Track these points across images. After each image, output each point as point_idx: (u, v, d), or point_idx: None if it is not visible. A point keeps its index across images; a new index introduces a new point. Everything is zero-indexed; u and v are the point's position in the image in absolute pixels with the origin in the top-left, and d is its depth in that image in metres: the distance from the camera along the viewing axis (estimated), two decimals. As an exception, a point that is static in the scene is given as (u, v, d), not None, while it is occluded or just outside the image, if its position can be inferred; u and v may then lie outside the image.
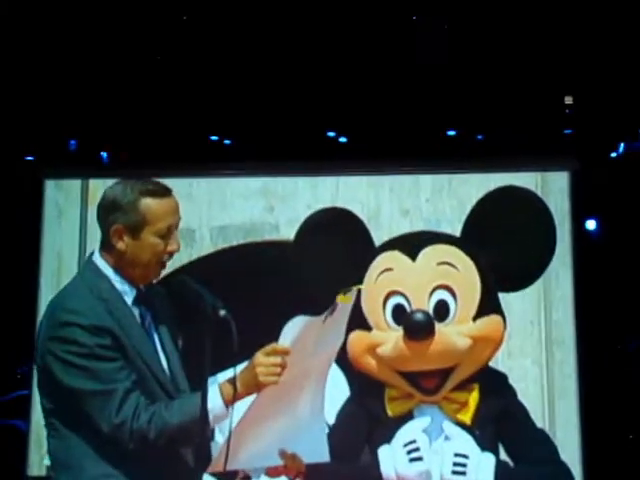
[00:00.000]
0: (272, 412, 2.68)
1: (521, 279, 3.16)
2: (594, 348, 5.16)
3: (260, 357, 2.67)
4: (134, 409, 2.60)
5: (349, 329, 2.88)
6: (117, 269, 2.74)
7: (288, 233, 4.65)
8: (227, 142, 5.84)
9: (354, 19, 5.34)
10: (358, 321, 2.94)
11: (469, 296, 2.93)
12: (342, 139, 5.82)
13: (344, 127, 5.81)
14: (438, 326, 2.83)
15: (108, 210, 2.79)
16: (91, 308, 2.66)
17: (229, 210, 4.93)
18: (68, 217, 5.41)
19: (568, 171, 5.25)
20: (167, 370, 2.78)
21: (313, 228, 3.18)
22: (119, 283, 2.74)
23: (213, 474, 3.10)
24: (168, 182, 4.65)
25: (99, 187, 5.35)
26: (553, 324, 5.05)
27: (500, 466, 2.83)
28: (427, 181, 5.15)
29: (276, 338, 3.35)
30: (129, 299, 2.74)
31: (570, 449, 4.93)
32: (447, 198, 5.21)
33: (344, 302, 2.81)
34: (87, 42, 5.45)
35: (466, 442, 2.81)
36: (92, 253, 2.83)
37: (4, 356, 5.62)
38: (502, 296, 3.22)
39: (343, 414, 2.98)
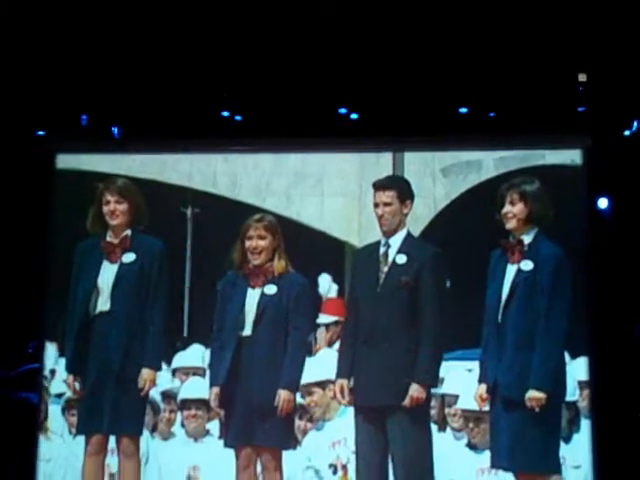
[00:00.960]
0: None
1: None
2: (606, 328, 5.16)
3: None
4: None
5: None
6: None
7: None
8: (238, 118, 5.81)
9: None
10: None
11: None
12: (353, 116, 5.79)
13: (356, 104, 5.78)
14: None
15: None
16: None
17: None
18: (79, 192, 5.44)
19: (581, 149, 5.24)
20: None
21: None
22: None
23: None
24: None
25: (110, 163, 5.43)
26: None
27: None
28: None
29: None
30: None
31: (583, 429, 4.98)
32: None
33: None
34: (100, 17, 5.43)
35: None
36: None
37: (15, 330, 5.63)
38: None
39: None
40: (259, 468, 4.76)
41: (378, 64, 5.54)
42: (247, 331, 4.73)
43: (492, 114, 5.63)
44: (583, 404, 4.99)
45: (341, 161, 5.39)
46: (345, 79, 5.61)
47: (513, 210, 4.69)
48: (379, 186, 4.85)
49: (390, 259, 4.79)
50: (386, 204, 4.81)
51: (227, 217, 5.22)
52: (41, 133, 5.79)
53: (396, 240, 4.78)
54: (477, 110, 5.63)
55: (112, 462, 4.91)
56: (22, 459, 5.26)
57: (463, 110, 5.66)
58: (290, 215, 5.38)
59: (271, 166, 5.44)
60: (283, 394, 4.66)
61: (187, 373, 5.19)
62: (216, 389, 4.70)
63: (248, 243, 4.77)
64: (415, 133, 5.38)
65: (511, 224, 4.69)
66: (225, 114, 5.81)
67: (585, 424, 4.95)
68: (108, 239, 4.86)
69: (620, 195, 5.55)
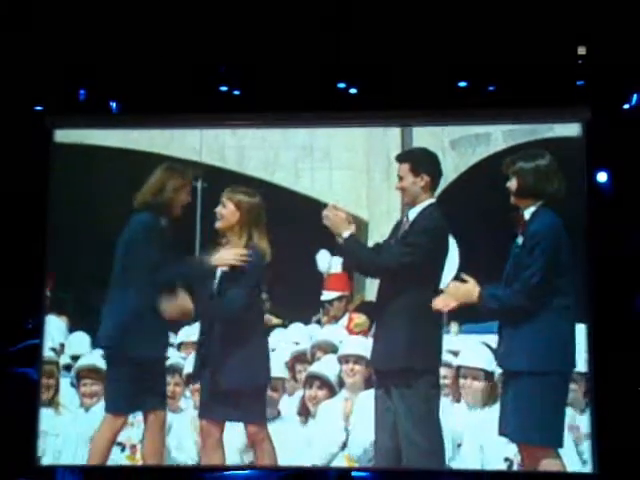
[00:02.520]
0: None
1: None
2: (605, 301, 5.18)
3: None
4: None
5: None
6: None
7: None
8: (236, 92, 5.79)
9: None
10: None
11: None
12: (352, 90, 5.77)
13: (355, 79, 5.76)
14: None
15: None
16: None
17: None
18: (76, 167, 5.42)
19: (580, 122, 5.24)
20: None
21: None
22: None
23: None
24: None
25: (116, 137, 5.41)
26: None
27: None
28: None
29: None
30: None
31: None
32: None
33: None
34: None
35: None
36: None
37: (15, 307, 5.63)
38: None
39: None
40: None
41: (377, 37, 5.52)
42: None
43: (492, 88, 5.61)
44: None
45: (349, 134, 5.39)
46: (343, 53, 5.58)
47: (509, 185, 4.72)
48: (396, 159, 4.93)
49: (401, 230, 4.82)
50: (400, 177, 4.85)
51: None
52: (39, 108, 5.74)
53: (413, 212, 4.81)
54: (476, 84, 5.61)
55: (132, 434, 5.07)
56: (22, 435, 5.28)
57: (462, 84, 5.63)
58: (298, 189, 5.40)
59: (279, 139, 5.43)
60: None
61: (193, 348, 5.17)
62: None
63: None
64: (414, 107, 5.38)
65: (512, 199, 4.73)
66: (223, 89, 5.78)
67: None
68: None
69: (619, 169, 5.54)
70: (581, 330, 4.95)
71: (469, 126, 5.29)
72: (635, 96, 5.60)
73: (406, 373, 4.65)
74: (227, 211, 4.87)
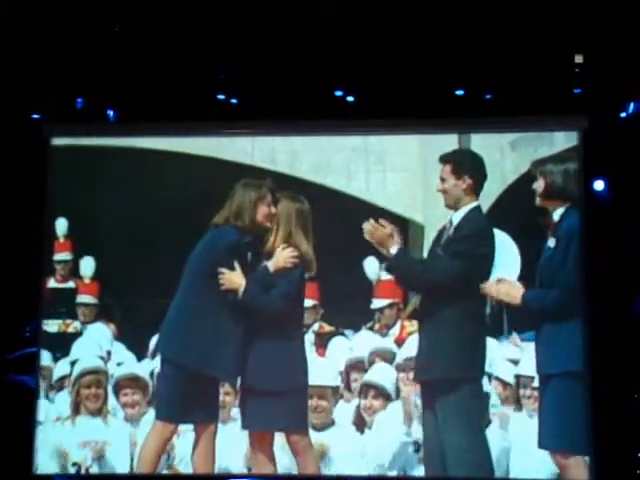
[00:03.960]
0: None
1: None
2: (602, 309, 5.18)
3: None
4: None
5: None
6: None
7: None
8: (233, 101, 5.79)
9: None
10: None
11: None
12: (349, 98, 5.77)
13: (351, 86, 5.76)
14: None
15: None
16: None
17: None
18: (74, 175, 5.43)
19: (578, 131, 5.25)
20: None
21: None
22: None
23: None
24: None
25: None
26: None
27: None
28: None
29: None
30: None
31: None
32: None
33: None
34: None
35: None
36: None
37: (12, 315, 5.63)
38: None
39: None
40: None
41: (374, 46, 5.52)
42: None
43: (489, 96, 5.61)
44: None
45: (403, 137, 5.35)
46: (341, 62, 5.59)
47: (536, 186, 4.71)
48: (439, 160, 4.84)
49: (445, 237, 4.77)
50: (442, 179, 4.79)
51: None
52: (36, 117, 5.75)
53: (457, 216, 4.74)
54: (473, 92, 5.61)
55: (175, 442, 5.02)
56: (19, 444, 5.27)
57: (459, 92, 5.63)
58: (351, 192, 5.35)
59: (331, 142, 5.39)
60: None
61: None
62: None
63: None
64: (411, 115, 5.38)
65: (537, 200, 4.71)
66: (220, 97, 5.78)
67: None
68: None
69: (616, 177, 5.54)
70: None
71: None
72: (632, 104, 5.60)
73: (448, 383, 4.59)
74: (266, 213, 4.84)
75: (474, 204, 4.75)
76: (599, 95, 5.50)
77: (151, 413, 5.04)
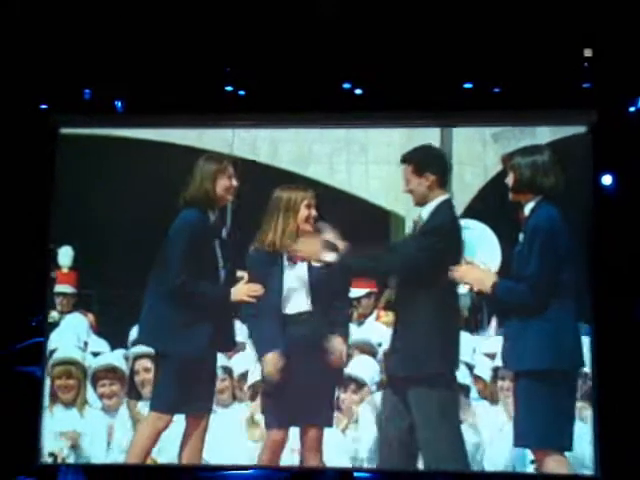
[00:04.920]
0: None
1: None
2: (609, 302, 5.17)
3: None
4: None
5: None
6: None
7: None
8: (241, 93, 5.79)
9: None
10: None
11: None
12: (358, 91, 5.76)
13: (360, 79, 5.76)
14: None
15: None
16: None
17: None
18: (81, 166, 5.44)
19: (586, 125, 5.23)
20: None
21: None
22: None
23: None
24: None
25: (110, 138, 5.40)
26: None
27: None
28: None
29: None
30: None
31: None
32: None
33: None
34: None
35: None
36: None
37: (19, 306, 5.64)
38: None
39: None
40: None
41: (382, 38, 5.51)
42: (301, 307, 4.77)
43: (497, 89, 5.59)
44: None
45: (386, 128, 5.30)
46: (349, 54, 5.58)
47: (507, 181, 4.67)
48: (400, 161, 4.80)
49: (414, 230, 4.75)
50: (406, 180, 4.76)
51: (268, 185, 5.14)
52: (44, 107, 5.75)
53: (425, 211, 4.72)
54: (481, 85, 5.59)
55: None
56: (25, 433, 5.29)
57: (467, 85, 5.62)
58: (333, 183, 5.31)
59: (314, 133, 5.35)
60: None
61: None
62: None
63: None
64: (418, 108, 5.37)
65: (510, 195, 4.66)
66: (228, 89, 5.78)
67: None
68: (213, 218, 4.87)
69: (625, 172, 5.53)
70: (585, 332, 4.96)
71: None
72: (641, 99, 5.59)
73: (421, 377, 4.58)
74: None
75: (443, 198, 4.70)
76: (608, 89, 5.48)
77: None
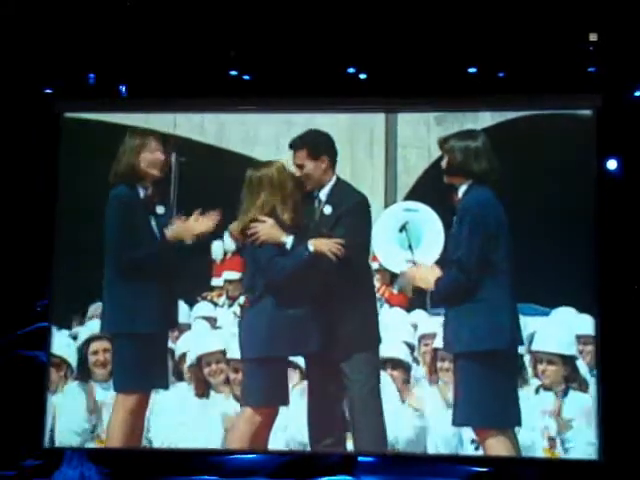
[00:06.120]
0: None
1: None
2: (614, 288, 5.16)
3: None
4: None
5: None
6: None
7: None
8: (246, 77, 5.77)
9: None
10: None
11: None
12: (362, 75, 5.75)
13: (364, 64, 5.74)
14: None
15: None
16: None
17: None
18: (85, 152, 5.44)
19: (591, 109, 5.22)
20: None
21: None
22: None
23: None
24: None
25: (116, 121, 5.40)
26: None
27: None
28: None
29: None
30: None
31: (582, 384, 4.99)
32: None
33: None
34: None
35: None
36: None
37: (23, 290, 5.65)
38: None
39: None
40: None
41: (386, 23, 5.49)
42: None
43: (501, 74, 5.57)
44: (585, 359, 5.02)
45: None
46: (354, 39, 5.56)
47: (442, 163, 4.72)
48: (289, 146, 4.87)
49: (318, 212, 4.82)
50: (299, 166, 4.81)
51: (214, 166, 5.21)
52: (48, 91, 5.75)
53: (324, 192, 4.80)
54: (486, 70, 5.57)
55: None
56: (31, 417, 5.31)
57: (472, 70, 5.60)
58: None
59: (259, 115, 5.39)
60: None
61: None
62: None
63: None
64: (423, 94, 5.36)
65: (444, 178, 4.73)
66: (233, 73, 5.77)
67: (587, 379, 4.99)
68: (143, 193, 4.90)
69: (630, 156, 5.50)
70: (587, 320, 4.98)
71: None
72: (647, 83, 5.56)
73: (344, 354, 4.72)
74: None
75: (334, 179, 4.82)
76: (613, 74, 5.46)
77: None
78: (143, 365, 4.87)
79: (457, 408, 4.60)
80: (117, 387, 4.95)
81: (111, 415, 4.99)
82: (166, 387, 5.02)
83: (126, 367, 4.89)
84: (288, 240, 4.71)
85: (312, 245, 4.69)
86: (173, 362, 5.17)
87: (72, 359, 5.28)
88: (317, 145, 4.83)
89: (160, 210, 4.97)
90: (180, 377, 5.18)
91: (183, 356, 5.19)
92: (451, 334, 4.61)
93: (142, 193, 4.92)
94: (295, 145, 4.85)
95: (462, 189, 4.64)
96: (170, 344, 5.15)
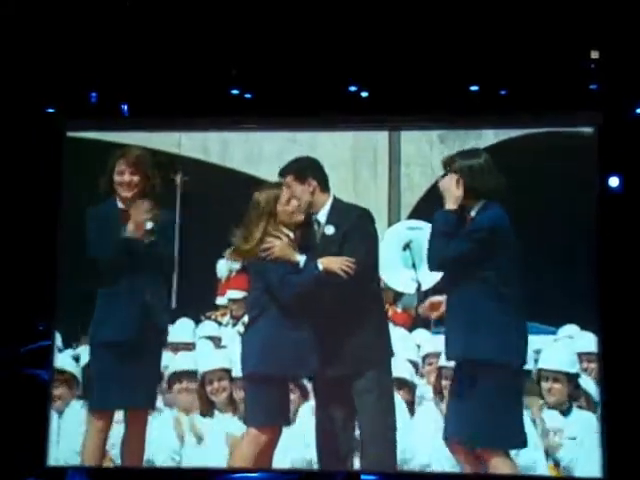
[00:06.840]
0: None
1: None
2: (616, 306, 5.17)
3: None
4: None
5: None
6: None
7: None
8: (248, 96, 5.79)
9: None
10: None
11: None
12: (364, 94, 5.76)
13: (366, 82, 5.76)
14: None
15: None
16: None
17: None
18: (88, 169, 5.44)
19: (593, 127, 5.23)
20: None
21: None
22: None
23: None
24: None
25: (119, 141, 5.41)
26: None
27: None
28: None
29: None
30: None
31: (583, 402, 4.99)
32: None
33: None
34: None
35: None
36: None
37: (26, 310, 5.65)
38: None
39: None
40: None
41: (388, 41, 5.52)
42: None
43: (503, 92, 5.59)
44: (590, 377, 5.02)
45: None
46: (355, 57, 5.58)
47: (441, 184, 4.66)
48: (279, 175, 4.90)
49: (319, 234, 4.82)
50: (287, 191, 4.82)
51: (218, 185, 5.21)
52: (50, 110, 5.76)
53: (323, 214, 4.81)
54: (488, 88, 5.59)
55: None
56: (33, 436, 5.29)
57: (474, 88, 5.62)
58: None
59: (263, 133, 5.40)
60: None
61: (176, 348, 5.22)
62: None
63: None
64: (425, 112, 5.37)
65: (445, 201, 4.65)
66: (234, 92, 5.78)
67: (591, 397, 4.99)
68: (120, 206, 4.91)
69: (631, 173, 5.52)
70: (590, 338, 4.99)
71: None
72: (648, 101, 5.58)
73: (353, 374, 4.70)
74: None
75: (331, 199, 4.83)
76: (614, 91, 5.48)
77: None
78: (126, 380, 4.83)
79: (454, 425, 4.57)
80: (96, 405, 4.92)
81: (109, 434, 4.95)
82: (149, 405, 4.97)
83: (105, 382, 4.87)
84: (301, 259, 4.71)
85: (321, 264, 4.69)
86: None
87: (75, 377, 5.25)
88: (302, 169, 4.85)
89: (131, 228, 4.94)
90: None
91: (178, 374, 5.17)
92: (454, 341, 4.58)
93: (120, 206, 4.94)
94: (282, 172, 4.90)
95: (475, 209, 4.61)
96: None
